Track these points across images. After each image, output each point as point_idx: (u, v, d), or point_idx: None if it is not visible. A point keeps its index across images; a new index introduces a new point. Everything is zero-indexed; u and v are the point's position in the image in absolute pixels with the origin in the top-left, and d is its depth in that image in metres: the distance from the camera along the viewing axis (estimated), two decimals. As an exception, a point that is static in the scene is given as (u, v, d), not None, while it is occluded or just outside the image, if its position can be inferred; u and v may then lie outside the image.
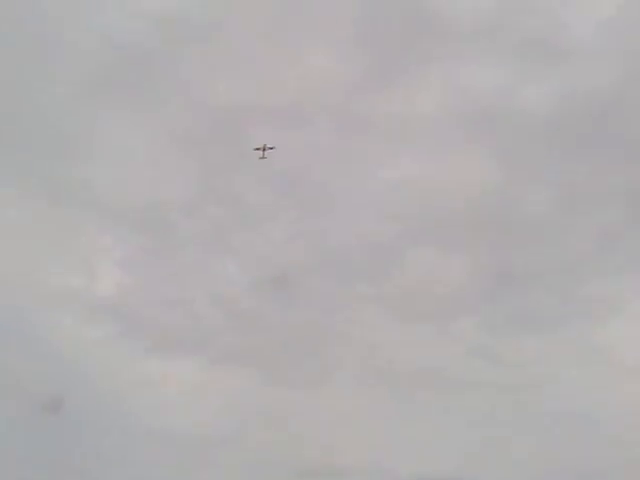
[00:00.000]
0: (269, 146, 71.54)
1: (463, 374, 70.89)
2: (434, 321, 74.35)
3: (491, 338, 73.13)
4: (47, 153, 78.85)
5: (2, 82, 77.19)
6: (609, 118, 76.60)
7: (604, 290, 71.89)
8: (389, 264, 78.30)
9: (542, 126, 77.46)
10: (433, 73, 79.86)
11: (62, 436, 66.52)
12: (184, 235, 79.51)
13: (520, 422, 68.49)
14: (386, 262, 78.20)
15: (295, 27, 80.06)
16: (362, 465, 67.24)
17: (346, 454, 67.72)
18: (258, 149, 71.65)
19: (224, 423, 69.46)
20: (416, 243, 78.21)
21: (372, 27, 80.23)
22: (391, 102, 79.90)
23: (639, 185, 74.81)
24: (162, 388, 71.33)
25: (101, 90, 79.83)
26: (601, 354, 70.49)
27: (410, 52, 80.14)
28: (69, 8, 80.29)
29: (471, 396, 69.70)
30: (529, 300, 74.77)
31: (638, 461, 64.04)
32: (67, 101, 78.54)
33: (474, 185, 78.09)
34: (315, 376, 72.04)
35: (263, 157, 71.50)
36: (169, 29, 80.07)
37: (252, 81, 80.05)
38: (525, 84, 78.65)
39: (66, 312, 72.75)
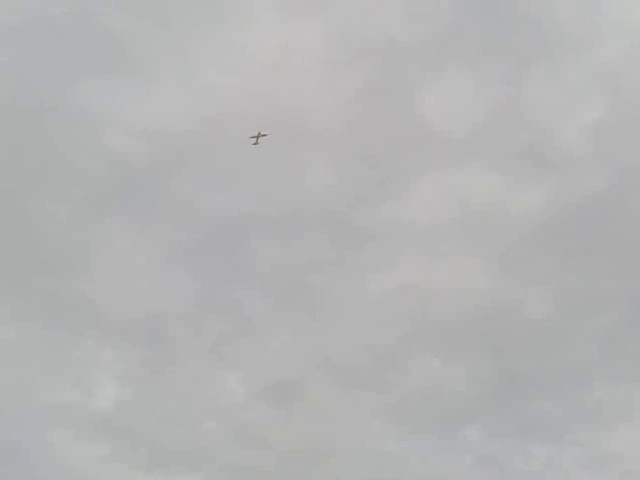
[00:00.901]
0: (263, 133, 73.67)
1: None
2: (440, 430, 73.42)
3: (498, 446, 72.20)
4: (46, 268, 79.11)
5: (7, 199, 78.42)
6: (603, 222, 78.28)
7: (611, 395, 71.61)
8: (392, 372, 77.63)
9: (537, 231, 78.98)
10: (429, 182, 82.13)
11: None
12: (184, 347, 78.87)
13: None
14: (388, 370, 77.64)
15: (293, 140, 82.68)
16: None
17: None
18: (253, 137, 73.95)
19: None
20: (418, 350, 77.94)
21: (368, 138, 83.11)
22: (388, 211, 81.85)
23: (637, 288, 75.83)
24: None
25: (100, 205, 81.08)
26: (611, 461, 69.49)
27: (406, 162, 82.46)
28: (69, 127, 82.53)
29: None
30: (534, 406, 74.17)
31: None
32: (66, 217, 79.64)
33: (473, 291, 78.68)
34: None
35: (257, 143, 73.81)
36: (167, 144, 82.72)
37: (251, 193, 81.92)
38: (518, 191, 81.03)
39: (64, 429, 71.11)
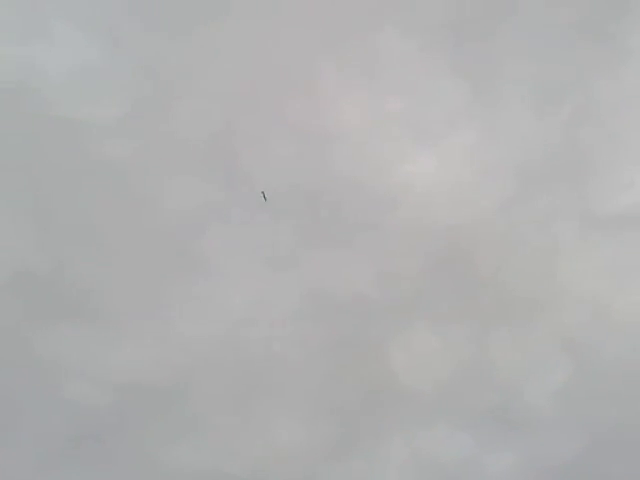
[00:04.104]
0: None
1: None
2: None
3: None
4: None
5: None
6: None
7: None
8: None
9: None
10: (398, 440, 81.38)
11: None
12: None
13: None
14: None
15: (261, 394, 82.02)
16: None
17: None
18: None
19: None
20: None
21: (337, 393, 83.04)
22: (358, 470, 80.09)
23: None
24: None
25: (57, 460, 77.19)
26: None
27: (375, 419, 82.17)
28: (32, 377, 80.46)
29: None
30: None
31: None
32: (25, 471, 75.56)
33: None
34: None
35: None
36: (133, 396, 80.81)
37: (217, 448, 79.55)
38: (488, 452, 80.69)
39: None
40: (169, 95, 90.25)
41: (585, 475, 77.68)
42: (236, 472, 79.53)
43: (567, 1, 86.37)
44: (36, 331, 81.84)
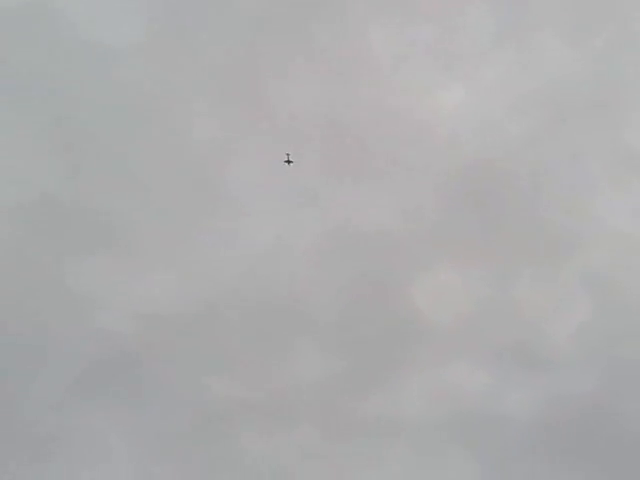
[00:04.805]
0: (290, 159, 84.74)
1: None
2: None
3: None
4: (25, 451, 76.56)
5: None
6: (592, 423, 78.60)
7: None
8: None
9: (529, 431, 78.73)
10: (418, 376, 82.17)
11: None
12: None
13: None
14: None
15: (285, 327, 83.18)
16: None
17: None
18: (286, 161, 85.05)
19: None
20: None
21: (357, 329, 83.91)
22: (377, 404, 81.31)
23: None
24: None
25: (88, 386, 79.55)
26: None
27: (395, 354, 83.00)
28: (62, 307, 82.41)
29: None
30: None
31: None
32: (50, 399, 78.11)
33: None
34: None
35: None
36: (158, 327, 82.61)
37: (241, 378, 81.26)
38: (506, 389, 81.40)
39: None
40: (191, 19, 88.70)
41: (602, 411, 78.30)
42: (258, 401, 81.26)
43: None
44: (65, 261, 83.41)
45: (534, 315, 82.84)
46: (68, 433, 77.71)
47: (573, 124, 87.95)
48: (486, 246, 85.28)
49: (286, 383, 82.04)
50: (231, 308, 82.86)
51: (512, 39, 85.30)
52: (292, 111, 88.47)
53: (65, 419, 77.69)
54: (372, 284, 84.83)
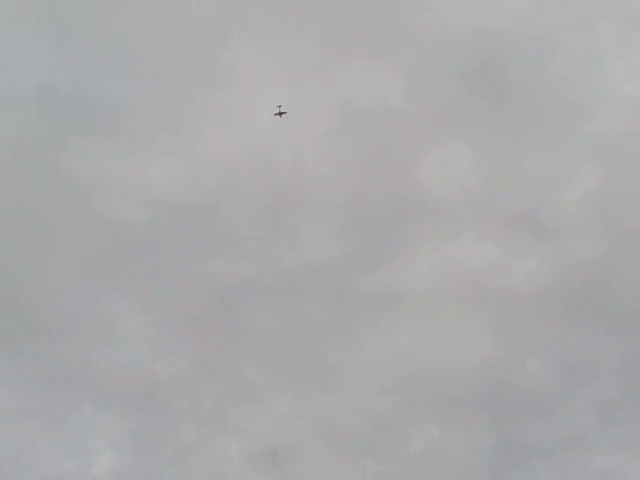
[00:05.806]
0: (283, 111, 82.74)
1: None
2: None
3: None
4: (42, 333, 78.57)
5: (4, 265, 77.88)
6: (600, 289, 79.05)
7: (612, 465, 71.57)
8: (390, 439, 77.44)
9: (535, 299, 79.53)
10: (426, 249, 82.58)
11: None
12: (181, 413, 78.27)
13: None
14: (387, 437, 77.42)
15: (292, 207, 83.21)
16: None
17: None
18: (277, 114, 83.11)
19: None
20: (417, 417, 77.73)
21: (367, 205, 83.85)
22: (386, 278, 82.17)
23: (636, 355, 76.44)
24: None
25: (97, 270, 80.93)
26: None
27: (404, 229, 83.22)
28: (67, 193, 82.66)
29: None
30: (535, 475, 74.06)
31: None
32: (63, 282, 79.49)
33: (471, 359, 78.80)
34: None
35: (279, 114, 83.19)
36: (166, 212, 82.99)
37: (250, 260, 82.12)
38: (515, 258, 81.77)
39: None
40: None
41: (609, 279, 78.57)
42: (269, 281, 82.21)
43: None
44: (64, 147, 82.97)
45: (542, 185, 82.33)
46: (82, 314, 79.53)
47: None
48: (494, 118, 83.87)
49: (295, 262, 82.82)
50: (238, 190, 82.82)
51: None
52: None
53: (78, 300, 79.28)
54: (380, 161, 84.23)
